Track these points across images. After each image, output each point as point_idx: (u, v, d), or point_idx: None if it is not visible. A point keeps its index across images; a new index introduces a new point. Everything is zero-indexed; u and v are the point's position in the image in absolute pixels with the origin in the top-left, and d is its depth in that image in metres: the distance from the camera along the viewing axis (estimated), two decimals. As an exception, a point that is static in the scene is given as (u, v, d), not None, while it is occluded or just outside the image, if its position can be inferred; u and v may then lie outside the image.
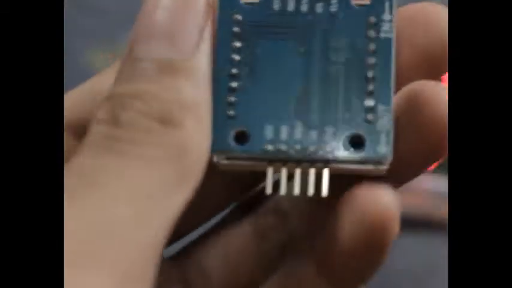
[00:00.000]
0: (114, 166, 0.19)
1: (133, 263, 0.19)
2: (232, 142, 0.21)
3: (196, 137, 0.20)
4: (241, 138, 0.21)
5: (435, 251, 0.49)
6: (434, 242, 0.50)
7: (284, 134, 0.21)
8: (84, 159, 0.20)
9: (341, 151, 0.21)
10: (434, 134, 0.21)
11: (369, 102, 0.22)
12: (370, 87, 0.22)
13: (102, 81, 0.23)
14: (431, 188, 0.49)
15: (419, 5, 0.22)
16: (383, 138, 0.21)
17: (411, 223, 0.49)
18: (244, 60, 0.22)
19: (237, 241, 0.24)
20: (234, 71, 0.22)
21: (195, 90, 0.21)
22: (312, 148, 0.21)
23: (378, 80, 0.22)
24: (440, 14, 0.22)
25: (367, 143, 0.21)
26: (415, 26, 0.22)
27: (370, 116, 0.21)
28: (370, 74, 0.22)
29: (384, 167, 0.21)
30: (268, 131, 0.21)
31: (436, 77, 0.22)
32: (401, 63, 0.22)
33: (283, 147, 0.21)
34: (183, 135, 0.20)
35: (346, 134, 0.21)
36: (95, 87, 0.23)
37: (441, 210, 0.49)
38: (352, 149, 0.21)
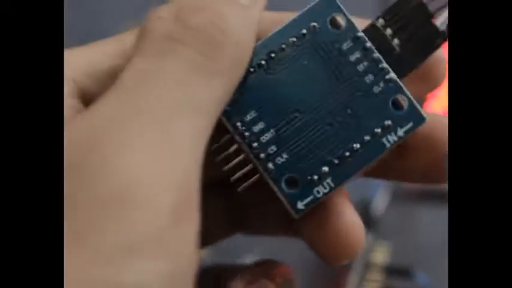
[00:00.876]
0: (175, 73, 0.20)
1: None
2: None
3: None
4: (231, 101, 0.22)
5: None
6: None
7: (256, 128, 0.23)
8: (144, 59, 0.20)
9: (277, 177, 0.22)
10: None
11: (325, 169, 0.22)
12: (336, 161, 0.23)
13: (125, 41, 0.23)
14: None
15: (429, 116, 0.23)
16: (309, 199, 0.22)
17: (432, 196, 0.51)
18: (287, 54, 0.23)
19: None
20: (274, 53, 0.23)
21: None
22: (262, 155, 0.22)
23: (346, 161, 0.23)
24: (445, 129, 0.23)
25: (297, 192, 0.22)
26: (419, 137, 0.23)
27: (315, 177, 0.22)
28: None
29: (295, 216, 0.23)
30: (249, 115, 0.23)
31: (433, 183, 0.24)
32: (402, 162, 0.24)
33: (246, 133, 0.23)
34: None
35: (289, 171, 0.23)
36: (117, 47, 0.23)
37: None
38: (284, 183, 0.22)
